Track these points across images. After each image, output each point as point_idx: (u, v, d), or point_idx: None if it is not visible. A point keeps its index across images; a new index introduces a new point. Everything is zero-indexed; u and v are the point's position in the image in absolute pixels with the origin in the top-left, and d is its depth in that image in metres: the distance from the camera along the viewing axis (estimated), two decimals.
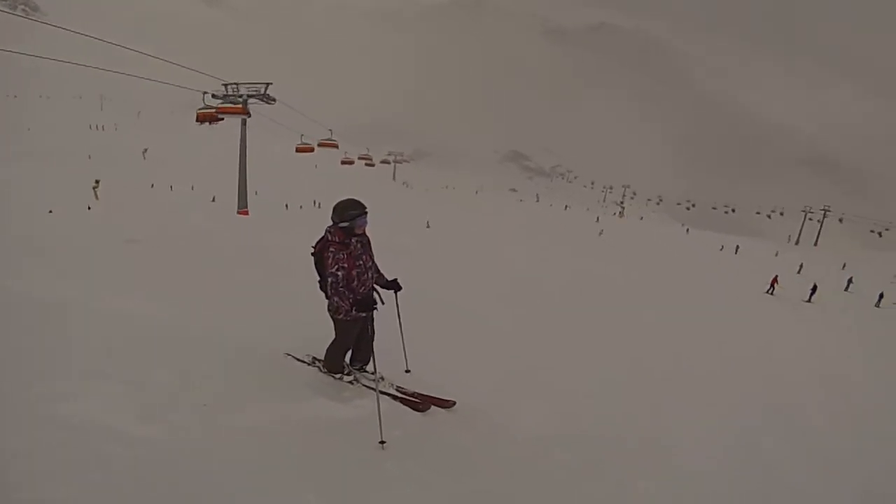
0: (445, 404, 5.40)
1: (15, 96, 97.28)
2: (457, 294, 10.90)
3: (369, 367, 5.43)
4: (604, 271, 21.01)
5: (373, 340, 5.24)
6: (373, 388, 4.98)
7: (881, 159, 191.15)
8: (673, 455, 5.34)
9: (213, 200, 32.44)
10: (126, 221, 15.00)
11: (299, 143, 30.51)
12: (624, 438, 5.51)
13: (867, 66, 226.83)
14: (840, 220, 70.36)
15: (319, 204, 35.93)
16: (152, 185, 39.15)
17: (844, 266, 45.89)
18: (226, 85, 25.52)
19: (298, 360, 5.75)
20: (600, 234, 48.08)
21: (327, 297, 5.01)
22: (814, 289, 26.16)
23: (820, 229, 72.94)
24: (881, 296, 29.26)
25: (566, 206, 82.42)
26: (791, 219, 75.67)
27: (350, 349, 5.43)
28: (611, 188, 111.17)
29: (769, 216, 78.87)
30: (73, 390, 4.25)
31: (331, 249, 4.85)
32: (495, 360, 7.05)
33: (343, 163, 38.82)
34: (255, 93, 25.73)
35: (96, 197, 29.28)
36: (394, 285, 5.45)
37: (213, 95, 25.10)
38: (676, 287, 20.43)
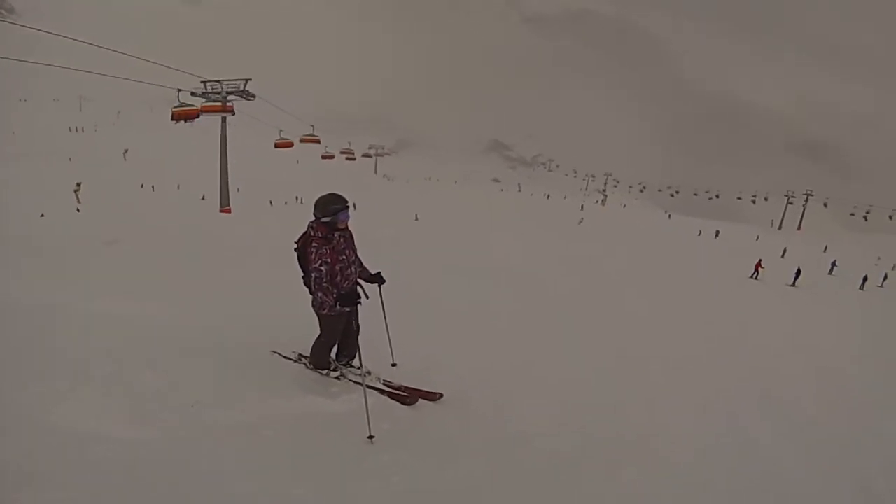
0: (432, 397, 5.40)
1: None
2: (441, 286, 10.88)
3: (355, 362, 5.41)
4: (587, 260, 21.04)
5: (358, 335, 5.22)
6: (360, 383, 4.97)
7: (865, 143, 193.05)
8: (661, 445, 5.33)
9: (204, 199, 32.12)
10: (108, 223, 14.89)
11: (278, 138, 30.34)
12: (612, 428, 5.51)
13: (851, 51, 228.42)
14: (825, 205, 70.89)
15: (302, 199, 35.77)
16: (142, 186, 38.74)
17: (826, 249, 46.31)
18: (205, 82, 25.27)
19: (285, 357, 5.72)
20: (580, 222, 48.13)
21: (311, 292, 4.99)
22: (798, 273, 26.36)
23: (803, 213, 73.60)
24: (865, 278, 29.56)
25: (548, 196, 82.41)
26: (776, 203, 76.22)
27: (336, 344, 5.41)
28: (593, 177, 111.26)
29: (753, 201, 79.24)
30: (62, 394, 4.23)
31: (313, 245, 4.82)
32: (481, 351, 7.04)
33: (324, 157, 38.68)
34: (234, 89, 25.50)
35: (78, 199, 28.94)
36: (377, 279, 5.43)
37: (193, 93, 24.84)
38: (661, 274, 20.51)
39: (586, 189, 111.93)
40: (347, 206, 4.96)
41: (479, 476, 4.34)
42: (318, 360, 5.43)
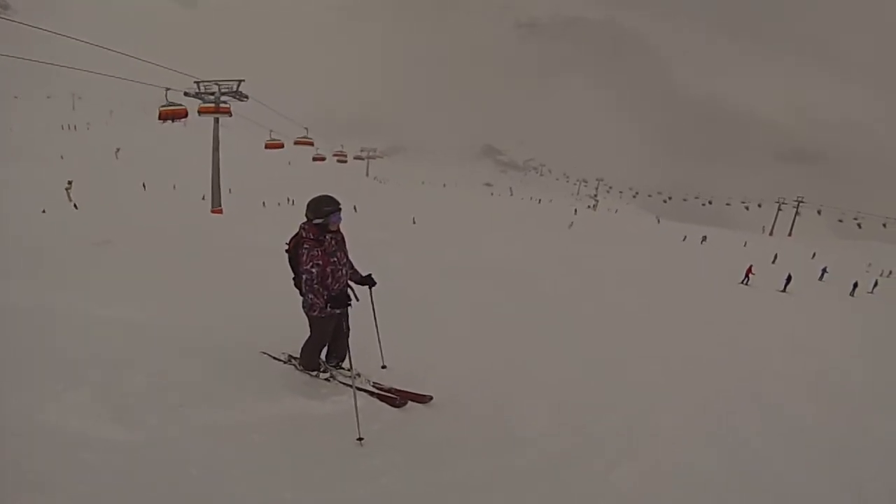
0: (422, 399, 5.40)
1: None
2: (431, 288, 10.90)
3: (345, 364, 5.41)
4: (578, 263, 21.08)
5: (348, 337, 5.22)
6: (349, 385, 4.97)
7: (856, 150, 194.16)
8: (656, 446, 5.35)
9: (204, 199, 32.01)
10: (98, 223, 14.82)
11: (268, 139, 30.27)
12: (604, 429, 5.52)
13: (843, 58, 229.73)
14: (818, 212, 71.24)
15: (293, 201, 35.74)
16: (134, 186, 38.58)
17: (814, 255, 46.52)
18: (198, 83, 25.21)
19: (274, 358, 5.71)
20: (570, 226, 48.28)
21: (301, 294, 4.99)
22: (788, 279, 26.48)
23: (794, 220, 73.97)
24: (855, 285, 29.71)
25: (539, 200, 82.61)
26: (768, 210, 76.57)
27: (326, 346, 5.40)
28: (585, 181, 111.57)
29: (747, 207, 79.54)
30: (53, 396, 4.19)
31: (305, 246, 4.81)
32: (472, 353, 7.04)
33: (315, 159, 38.66)
34: (227, 90, 25.45)
35: (69, 198, 28.85)
36: (368, 281, 5.43)
37: (186, 93, 24.76)
38: (653, 278, 20.56)
39: (577, 194, 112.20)
40: (340, 208, 4.96)
41: (471, 478, 4.34)
42: (307, 361, 5.43)
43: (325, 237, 4.90)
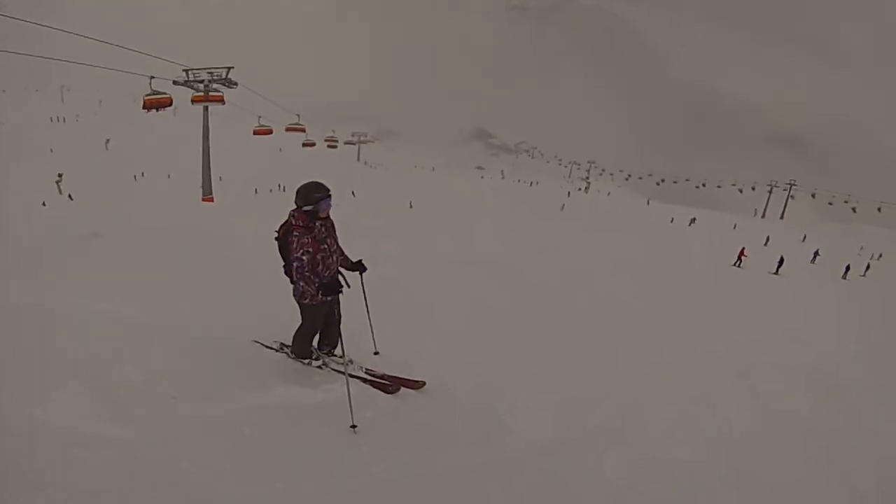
0: (415, 385, 5.39)
1: None
2: (423, 274, 10.85)
3: (337, 351, 5.39)
4: (571, 248, 21.07)
5: (340, 324, 5.20)
6: (342, 372, 4.96)
7: (844, 138, 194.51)
8: (647, 435, 5.34)
9: (202, 186, 31.80)
10: (88, 215, 14.71)
11: (257, 125, 30.07)
12: (596, 419, 5.51)
13: (832, 46, 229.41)
14: (812, 196, 71.34)
15: (284, 187, 35.62)
16: (124, 177, 38.29)
17: (805, 238, 46.67)
18: (187, 70, 25.00)
19: (266, 346, 5.69)
20: (562, 208, 48.33)
21: (292, 282, 4.96)
22: (781, 261, 26.56)
23: (786, 203, 74.17)
24: (847, 268, 29.85)
25: (530, 183, 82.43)
26: (762, 193, 76.71)
27: (317, 334, 5.38)
28: (577, 164, 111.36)
29: (741, 190, 79.61)
30: (42, 395, 4.15)
31: (295, 234, 4.78)
32: (465, 340, 7.02)
33: (305, 145, 38.49)
34: (216, 78, 25.26)
35: (59, 191, 28.67)
36: (359, 266, 5.39)
37: (175, 82, 24.55)
38: (645, 261, 20.56)
39: (569, 177, 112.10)
40: (329, 195, 4.92)
41: (464, 465, 4.34)
42: (299, 349, 5.41)
43: (314, 224, 4.86)
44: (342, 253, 5.30)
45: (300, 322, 5.20)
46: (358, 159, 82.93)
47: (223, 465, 3.82)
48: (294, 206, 4.88)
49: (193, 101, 25.21)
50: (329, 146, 45.96)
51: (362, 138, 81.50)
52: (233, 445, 4.07)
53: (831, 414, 6.95)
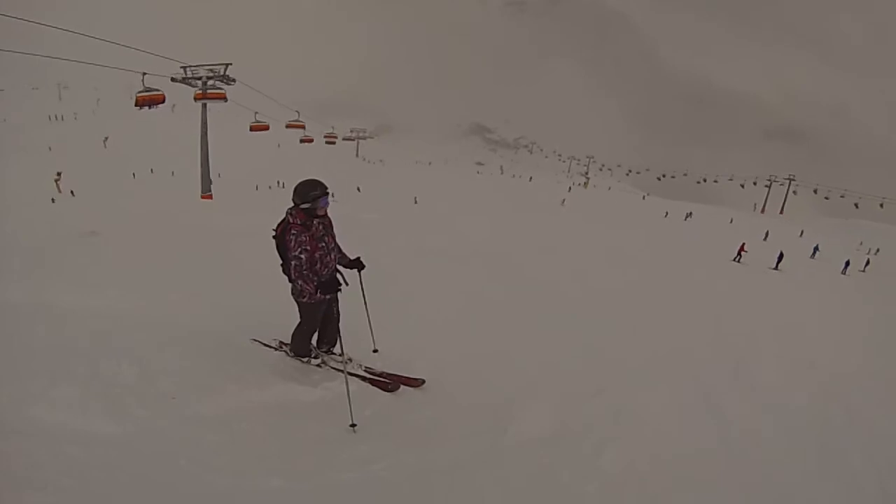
0: (415, 383, 5.38)
1: None
2: (421, 270, 10.80)
3: (336, 349, 5.37)
4: (569, 242, 21.02)
5: (339, 322, 5.18)
6: (341, 370, 4.95)
7: (842, 131, 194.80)
8: (644, 430, 5.32)
9: (201, 183, 31.79)
10: (86, 213, 14.70)
11: (253, 121, 29.96)
12: (593, 412, 5.47)
13: (829, 38, 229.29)
14: (815, 191, 71.23)
15: (283, 184, 35.57)
16: (123, 174, 38.24)
17: (802, 233, 46.62)
18: (184, 67, 24.92)
19: (265, 345, 5.68)
20: (563, 202, 48.42)
21: (290, 280, 4.95)
22: (780, 256, 26.52)
23: (786, 197, 74.13)
24: (847, 263, 29.81)
25: (530, 178, 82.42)
26: (761, 187, 76.67)
27: (316, 332, 5.36)
28: (577, 160, 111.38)
29: (742, 185, 79.53)
30: (39, 393, 4.14)
31: (292, 232, 4.76)
32: (464, 336, 6.98)
33: (303, 141, 38.50)
34: (214, 74, 25.18)
35: (58, 189, 28.62)
36: (357, 264, 5.37)
37: (173, 79, 24.48)
38: (645, 257, 20.51)
39: (569, 171, 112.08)
40: (327, 192, 4.90)
41: (462, 462, 4.32)
42: (298, 347, 5.40)
43: (312, 222, 4.84)
44: (340, 251, 5.28)
45: (299, 320, 5.18)
46: (357, 155, 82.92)
47: (221, 462, 3.81)
48: (291, 204, 4.85)
49: (196, 98, 25.15)
50: (328, 142, 45.82)
51: (360, 134, 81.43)
52: (231, 443, 4.07)
53: (830, 408, 6.91)
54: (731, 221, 49.32)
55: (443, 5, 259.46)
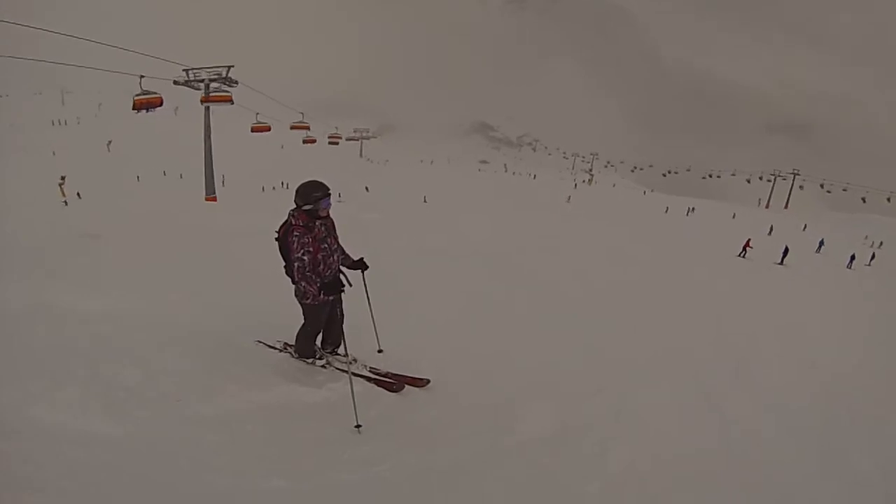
0: (419, 383, 5.39)
1: None
2: (425, 270, 10.80)
3: (341, 350, 5.40)
4: (575, 241, 20.95)
5: (343, 322, 5.19)
6: (345, 371, 4.96)
7: (848, 124, 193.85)
8: (648, 428, 5.30)
9: (205, 185, 31.83)
10: (91, 216, 14.72)
11: (255, 122, 29.93)
12: (595, 412, 5.47)
13: (832, 32, 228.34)
14: (821, 186, 70.81)
15: (287, 185, 35.57)
16: (127, 177, 38.27)
17: (805, 227, 46.39)
18: (187, 70, 24.95)
19: (270, 346, 5.69)
20: (568, 199, 48.38)
21: (293, 282, 4.95)
22: (786, 251, 26.38)
23: (790, 192, 73.78)
24: (853, 257, 29.64)
25: (534, 176, 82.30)
26: (765, 182, 76.37)
27: (320, 333, 5.37)
28: (582, 157, 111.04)
29: (748, 180, 79.23)
30: (41, 395, 4.15)
31: (295, 234, 4.76)
32: (468, 335, 7.00)
33: (305, 141, 38.48)
34: (216, 76, 25.20)
35: (63, 194, 28.65)
36: (360, 265, 5.39)
37: (175, 82, 24.51)
38: (651, 253, 20.45)
39: (573, 169, 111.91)
40: (329, 194, 4.91)
41: (466, 462, 4.33)
42: (302, 348, 5.41)
43: (314, 223, 4.85)
44: (343, 252, 5.29)
45: (303, 322, 5.18)
46: (361, 155, 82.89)
47: (222, 462, 3.83)
48: (294, 206, 4.86)
49: (202, 101, 25.20)
50: (331, 143, 45.78)
51: (364, 134, 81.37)
52: (232, 444, 4.08)
53: (832, 408, 6.85)
54: (734, 216, 49.08)
55: (443, 4, 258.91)
